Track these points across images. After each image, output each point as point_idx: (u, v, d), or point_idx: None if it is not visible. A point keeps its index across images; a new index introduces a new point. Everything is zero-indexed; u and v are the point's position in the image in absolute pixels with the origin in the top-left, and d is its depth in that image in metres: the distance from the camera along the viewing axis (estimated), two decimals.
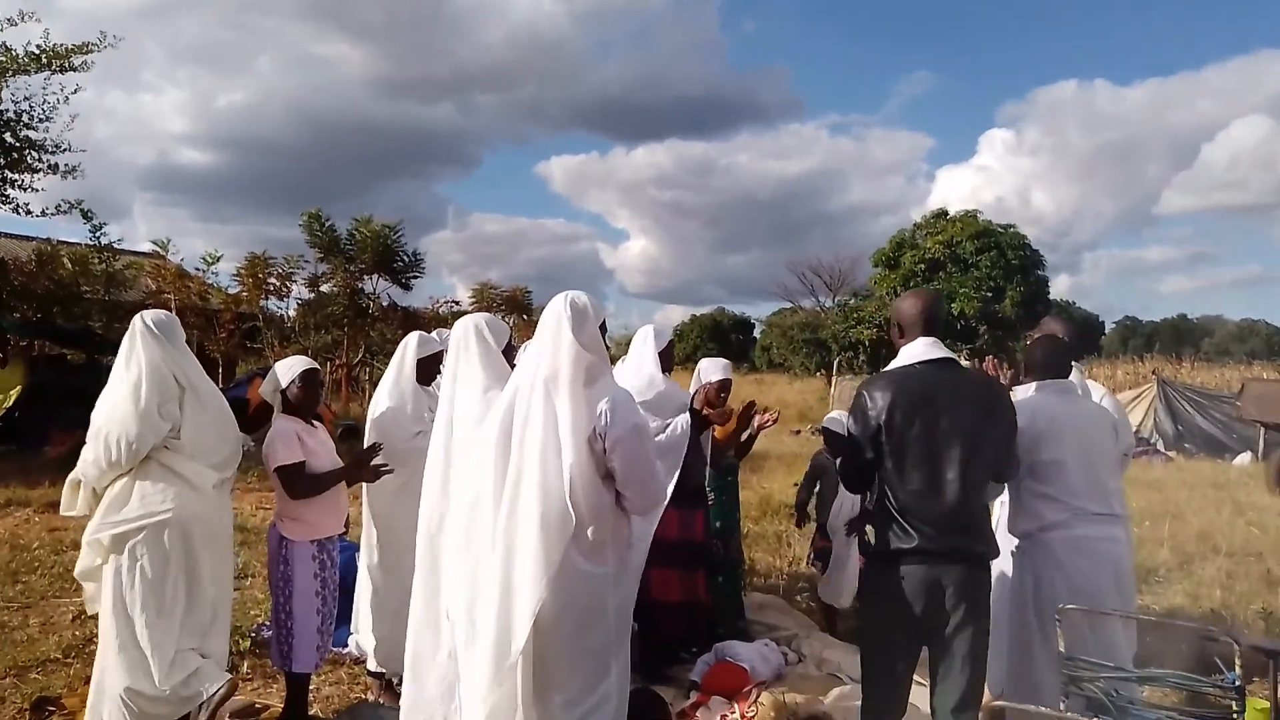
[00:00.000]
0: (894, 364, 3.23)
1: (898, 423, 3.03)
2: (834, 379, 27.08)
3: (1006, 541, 3.85)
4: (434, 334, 4.81)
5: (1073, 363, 3.95)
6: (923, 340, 3.19)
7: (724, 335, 51.96)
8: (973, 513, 3.06)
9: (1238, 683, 2.80)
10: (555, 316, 2.88)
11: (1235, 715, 2.72)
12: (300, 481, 3.81)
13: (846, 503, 5.32)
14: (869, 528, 3.22)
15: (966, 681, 3.02)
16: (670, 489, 4.58)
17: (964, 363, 4.42)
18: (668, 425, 4.60)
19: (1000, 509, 4.28)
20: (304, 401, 3.98)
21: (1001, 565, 4.08)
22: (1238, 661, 2.96)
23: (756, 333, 52.67)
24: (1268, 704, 4.17)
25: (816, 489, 5.68)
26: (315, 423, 4.05)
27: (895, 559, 3.04)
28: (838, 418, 5.44)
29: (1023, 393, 3.81)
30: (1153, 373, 23.36)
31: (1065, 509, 3.48)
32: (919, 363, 3.14)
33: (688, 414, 4.57)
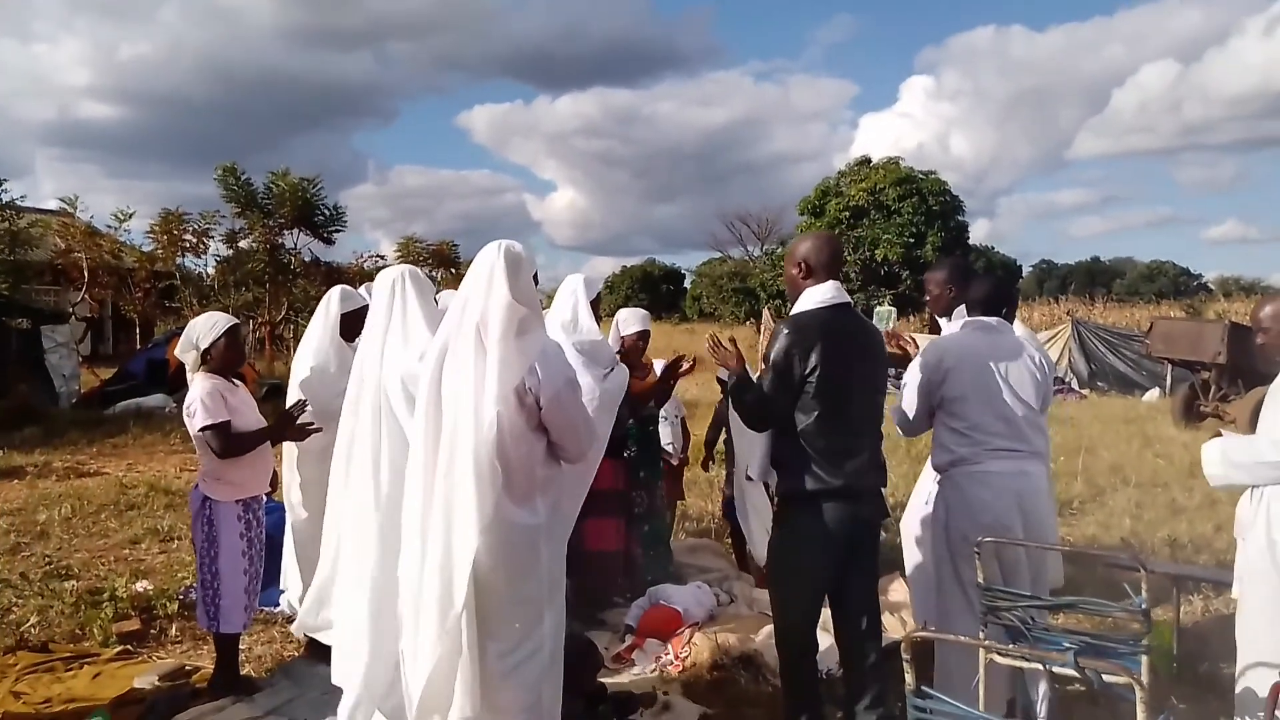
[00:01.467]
0: (802, 307, 3.25)
1: (823, 368, 3.08)
2: (762, 327, 27.36)
3: (929, 478, 3.97)
4: (360, 289, 4.72)
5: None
6: (831, 284, 3.24)
7: (654, 286, 51.97)
8: (877, 450, 3.23)
9: (1144, 606, 2.93)
10: (489, 265, 2.82)
11: (1144, 637, 2.85)
12: (226, 441, 3.73)
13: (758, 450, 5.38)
14: (791, 472, 3.25)
15: (872, 608, 3.19)
16: (607, 433, 4.63)
17: (888, 308, 4.53)
18: (606, 376, 4.61)
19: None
20: (227, 360, 3.89)
21: (924, 501, 4.23)
22: (1144, 586, 3.11)
23: (687, 283, 52.79)
24: (1171, 625, 4.44)
25: (724, 436, 5.72)
26: (236, 381, 3.95)
27: (816, 499, 3.12)
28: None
29: (946, 329, 3.90)
30: (1067, 313, 24.12)
31: (972, 444, 3.54)
32: (829, 306, 3.20)
33: (624, 367, 4.59)
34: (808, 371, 3.09)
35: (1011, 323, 3.88)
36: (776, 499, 3.38)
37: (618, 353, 5.17)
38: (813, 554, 3.16)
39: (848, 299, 3.26)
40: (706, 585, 5.07)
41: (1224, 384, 13.25)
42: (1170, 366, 15.98)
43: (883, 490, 3.32)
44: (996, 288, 3.88)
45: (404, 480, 2.91)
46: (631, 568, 5.04)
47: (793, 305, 3.31)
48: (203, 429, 3.69)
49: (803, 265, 3.28)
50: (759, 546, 5.43)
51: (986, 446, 3.54)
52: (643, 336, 5.25)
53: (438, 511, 2.74)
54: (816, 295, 3.22)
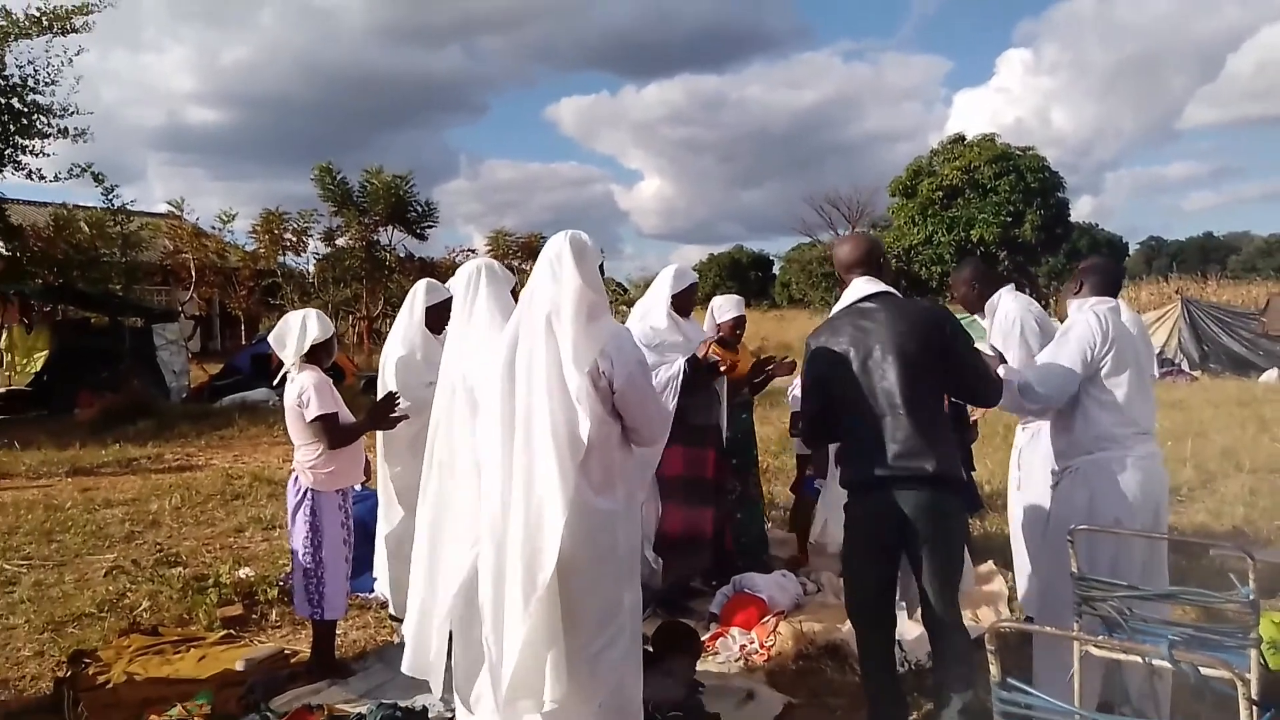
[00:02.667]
0: (836, 307, 3.33)
1: (836, 363, 3.12)
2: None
3: (1043, 465, 3.83)
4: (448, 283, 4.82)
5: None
6: (858, 281, 3.27)
7: (743, 273, 51.66)
8: (923, 435, 3.04)
9: (1251, 596, 2.79)
10: (556, 253, 2.88)
11: (1251, 629, 2.71)
12: (338, 431, 3.88)
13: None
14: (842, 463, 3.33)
15: (938, 601, 3.07)
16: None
17: None
18: (662, 364, 4.65)
19: (1029, 437, 4.25)
20: (329, 354, 4.04)
21: (1037, 490, 4.05)
22: (1251, 576, 2.95)
23: (776, 269, 52.30)
24: None
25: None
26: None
27: (858, 489, 3.16)
28: None
29: (1079, 305, 3.72)
30: (1176, 292, 23.03)
31: (1124, 423, 3.44)
32: (855, 302, 3.22)
33: (682, 360, 4.61)
34: (826, 364, 3.16)
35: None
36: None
37: (716, 340, 5.14)
38: (856, 544, 3.20)
39: (877, 288, 3.23)
40: (792, 574, 5.02)
41: None
42: None
43: (938, 476, 3.07)
44: (1112, 269, 3.81)
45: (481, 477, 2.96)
46: (723, 556, 5.03)
47: None
48: (318, 419, 3.82)
49: (837, 272, 3.39)
50: (820, 528, 5.37)
51: (1137, 429, 3.47)
52: (739, 323, 5.27)
53: (518, 497, 2.77)
54: (846, 296, 3.29)
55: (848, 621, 4.36)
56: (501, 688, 2.76)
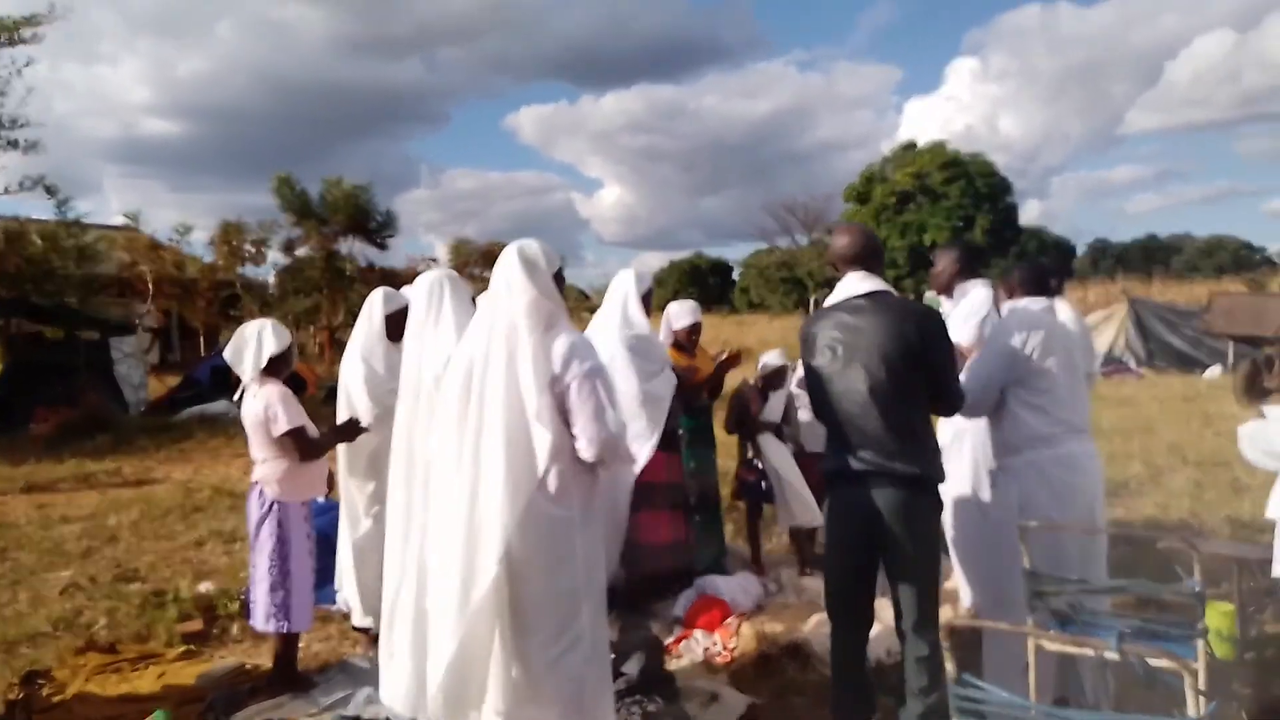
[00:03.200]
0: (829, 299, 3.32)
1: (822, 356, 3.18)
2: (811, 316, 27.15)
3: (983, 464, 3.91)
4: (403, 290, 4.82)
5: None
6: (853, 275, 3.26)
7: (702, 279, 51.83)
8: (899, 435, 3.08)
9: (1197, 588, 2.89)
10: (508, 265, 2.93)
11: (1197, 620, 2.81)
12: (307, 444, 3.87)
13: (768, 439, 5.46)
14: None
15: (915, 600, 3.09)
16: (653, 439, 4.68)
17: (933, 293, 4.53)
18: (658, 372, 4.70)
19: (951, 437, 4.34)
20: (288, 365, 4.02)
21: (976, 487, 4.15)
22: (1196, 568, 3.06)
23: (735, 275, 52.54)
24: (1232, 607, 4.33)
25: (739, 420, 5.61)
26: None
27: (834, 481, 3.20)
28: (774, 355, 5.61)
29: (1014, 308, 3.81)
30: (1122, 292, 23.54)
31: (1055, 423, 3.50)
32: (850, 297, 3.23)
33: (672, 373, 4.67)
34: (814, 354, 3.22)
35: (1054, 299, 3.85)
36: None
37: (672, 345, 5.22)
38: (833, 537, 3.23)
39: (874, 285, 3.23)
40: (753, 575, 5.08)
41: None
42: (1232, 343, 15.53)
43: (911, 475, 3.11)
44: (1043, 267, 3.90)
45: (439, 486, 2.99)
46: (682, 560, 5.06)
47: None
48: (290, 433, 3.80)
49: (834, 264, 3.37)
50: (793, 518, 5.42)
51: (1068, 426, 3.52)
52: (694, 329, 5.33)
53: (466, 506, 2.80)
54: (841, 289, 3.28)
55: (809, 620, 4.45)
56: (430, 696, 2.82)
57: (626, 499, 4.72)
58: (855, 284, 3.25)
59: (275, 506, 3.88)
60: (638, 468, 4.60)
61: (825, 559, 3.34)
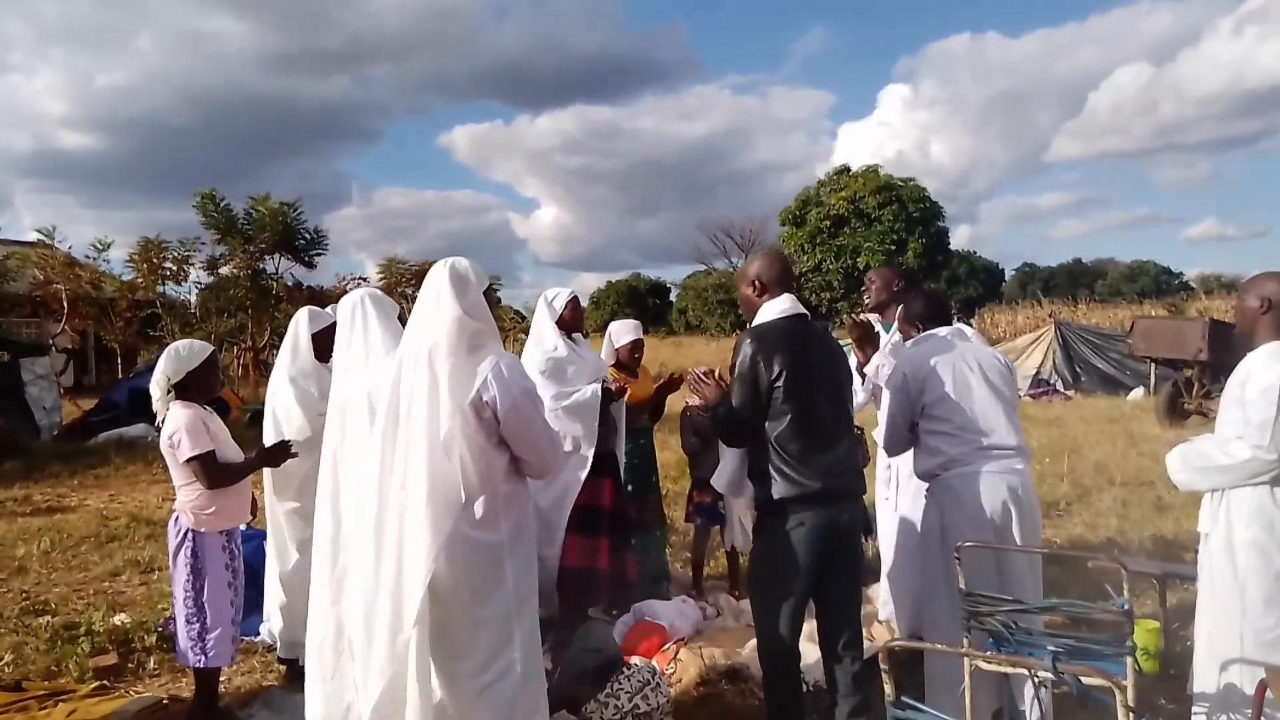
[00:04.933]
0: (761, 319, 3.29)
1: (786, 378, 3.11)
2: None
3: (918, 486, 3.96)
4: (329, 309, 4.68)
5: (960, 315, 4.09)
6: (786, 296, 3.30)
7: (640, 300, 52.07)
8: (853, 455, 3.28)
9: (1126, 606, 2.92)
10: (436, 284, 2.85)
11: (1126, 637, 2.83)
12: (214, 471, 3.68)
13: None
14: (770, 480, 3.23)
15: (853, 616, 3.18)
16: (589, 454, 4.61)
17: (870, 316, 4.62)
18: (573, 392, 4.62)
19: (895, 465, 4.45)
20: (204, 388, 3.84)
21: (907, 509, 4.23)
22: (1125, 586, 3.10)
23: (673, 296, 52.88)
24: (1158, 624, 4.42)
25: (695, 439, 5.50)
26: (209, 409, 3.90)
27: (794, 504, 3.13)
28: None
29: (909, 343, 3.94)
30: (1049, 316, 24.22)
31: (961, 443, 3.57)
32: (788, 317, 3.24)
33: (598, 384, 4.60)
34: (774, 378, 3.12)
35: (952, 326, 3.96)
36: (756, 509, 3.36)
37: (613, 365, 5.15)
38: (791, 562, 3.15)
39: (804, 310, 3.33)
40: (692, 599, 5.03)
41: (1206, 381, 13.31)
42: (1153, 365, 16.05)
43: (861, 491, 3.35)
44: (937, 300, 4.06)
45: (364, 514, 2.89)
46: (624, 586, 4.99)
47: (750, 322, 3.36)
48: (190, 460, 3.63)
49: (756, 283, 3.35)
50: (739, 537, 5.38)
51: (976, 446, 3.58)
52: (636, 346, 5.28)
53: (391, 532, 2.72)
54: (774, 308, 3.28)
55: (747, 645, 4.41)
56: None
57: (563, 523, 4.63)
58: (790, 305, 3.28)
59: (191, 535, 3.71)
60: (579, 482, 4.54)
61: (775, 588, 3.22)
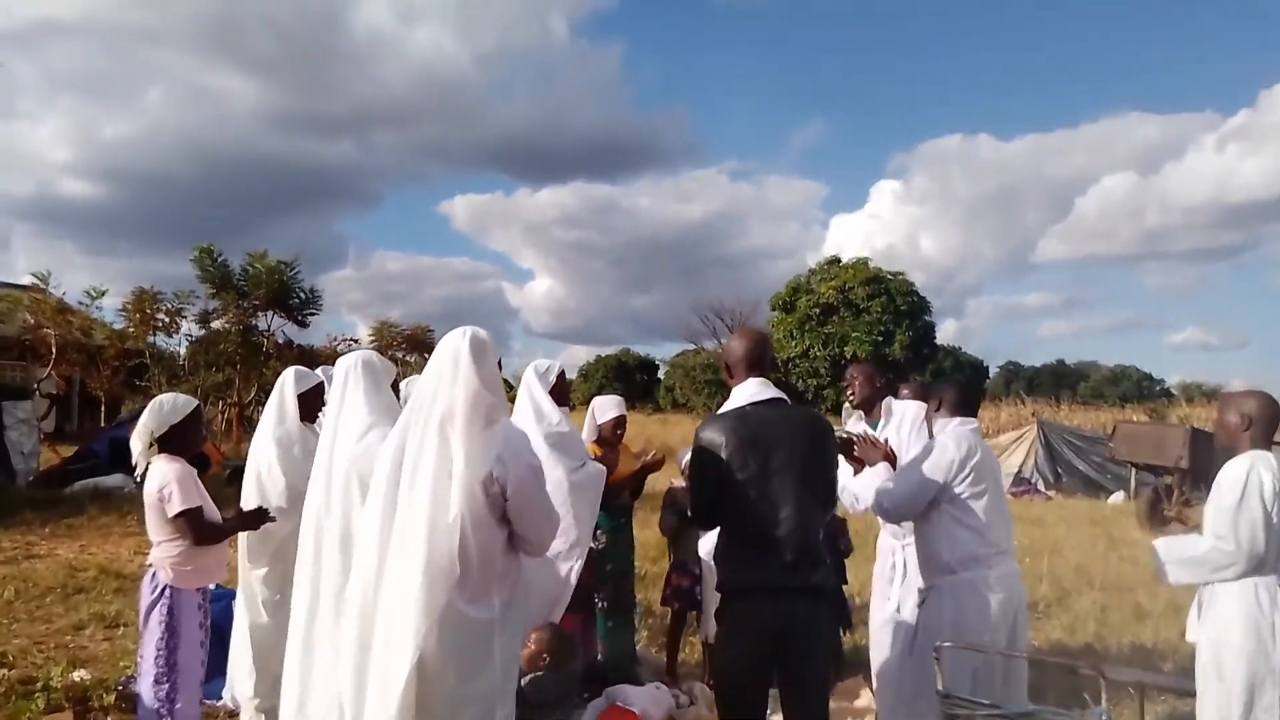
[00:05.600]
0: (727, 405, 3.28)
1: (735, 462, 3.09)
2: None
3: (913, 582, 3.93)
4: (317, 370, 4.68)
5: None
6: (753, 381, 3.26)
7: (629, 375, 52.14)
8: (811, 547, 3.12)
9: (1105, 716, 2.90)
10: (453, 351, 2.79)
11: None
12: (203, 528, 3.65)
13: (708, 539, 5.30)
14: (720, 565, 3.26)
15: (813, 711, 3.08)
16: (590, 530, 4.52)
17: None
18: (581, 466, 4.55)
19: (898, 552, 4.36)
20: (189, 443, 3.82)
21: (906, 608, 4.14)
22: (1104, 694, 3.08)
23: (661, 373, 52.97)
24: None
25: (676, 521, 5.42)
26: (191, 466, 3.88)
27: (741, 594, 3.12)
28: None
29: (952, 426, 3.85)
30: (1032, 415, 24.36)
31: (984, 544, 3.58)
32: (750, 404, 3.21)
33: (599, 464, 4.57)
34: (719, 463, 3.10)
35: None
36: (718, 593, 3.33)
37: (595, 440, 5.15)
38: (741, 650, 3.11)
39: (773, 393, 3.25)
40: (665, 686, 4.95)
41: (1186, 488, 13.35)
42: (1134, 470, 16.11)
43: (821, 587, 3.16)
44: (971, 388, 4.02)
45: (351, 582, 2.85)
46: (592, 666, 4.91)
47: None
48: (179, 514, 3.60)
49: (725, 367, 3.36)
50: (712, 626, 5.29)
51: (997, 549, 3.60)
52: (619, 423, 5.24)
53: (383, 608, 2.68)
54: (741, 394, 3.26)
55: None
56: None
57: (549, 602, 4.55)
58: (757, 389, 3.24)
59: (167, 592, 3.65)
60: (574, 571, 4.43)
61: (730, 678, 3.19)
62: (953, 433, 3.73)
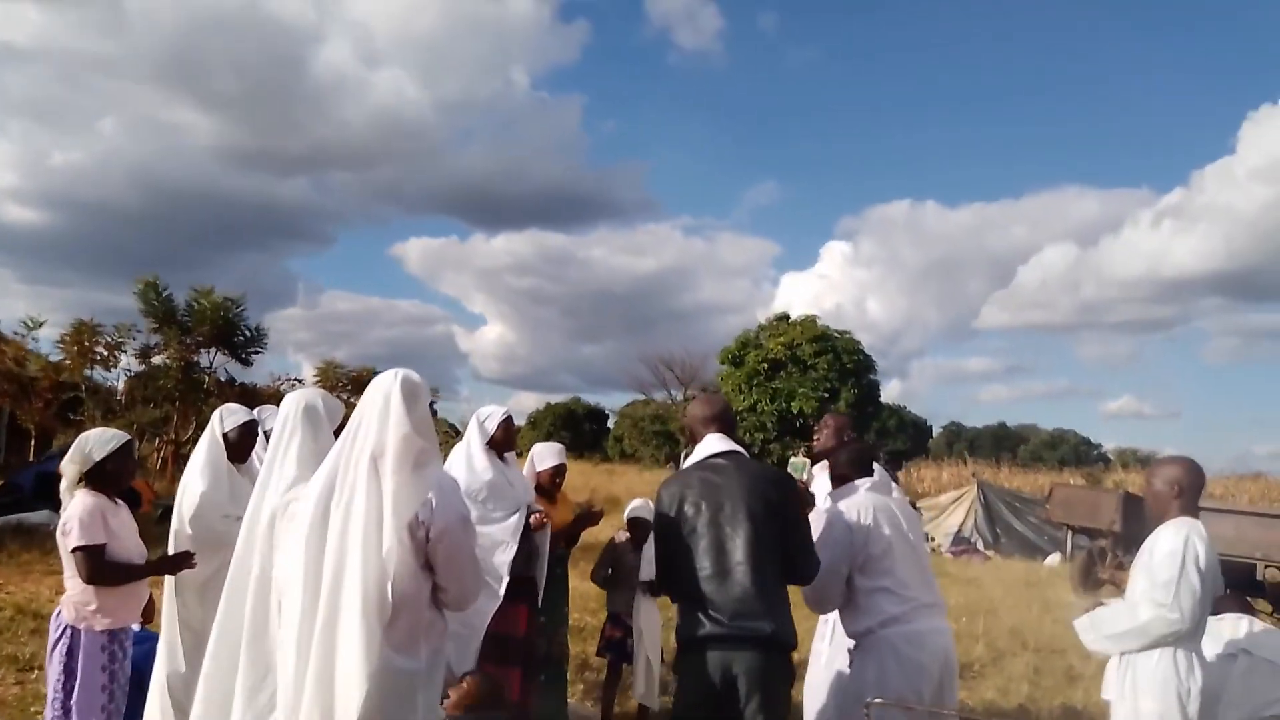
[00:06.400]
0: (689, 460, 3.38)
1: (686, 514, 3.16)
2: (672, 476, 27.38)
3: (845, 641, 3.93)
4: (255, 410, 4.60)
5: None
6: (711, 437, 3.35)
7: (578, 424, 51.95)
8: (763, 597, 3.11)
9: None
10: (384, 393, 2.77)
11: None
12: (99, 566, 3.52)
13: (643, 596, 5.28)
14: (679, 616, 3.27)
15: None
16: (500, 588, 4.47)
17: (802, 459, 4.61)
18: (510, 515, 4.51)
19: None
20: (116, 478, 3.72)
21: (837, 664, 4.16)
22: None
23: (610, 423, 52.88)
24: None
25: (609, 573, 5.49)
26: (118, 501, 3.78)
27: (693, 646, 3.13)
28: (641, 506, 5.46)
29: (843, 492, 3.96)
30: (973, 475, 24.73)
31: (902, 601, 3.56)
32: (708, 457, 3.30)
33: (522, 514, 4.51)
34: (673, 521, 3.18)
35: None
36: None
37: (534, 488, 5.11)
38: (689, 703, 3.13)
39: (731, 446, 3.34)
40: None
41: (1120, 552, 13.60)
42: (1070, 532, 16.39)
43: (773, 638, 3.15)
44: (867, 448, 4.10)
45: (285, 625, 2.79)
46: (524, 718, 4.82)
47: None
48: (77, 550, 3.49)
49: (687, 430, 3.45)
50: (640, 685, 5.24)
51: (916, 604, 3.57)
52: (558, 471, 5.16)
53: (316, 655, 2.61)
54: (701, 450, 3.35)
55: None
56: None
57: (475, 651, 4.48)
58: (715, 444, 3.33)
59: (68, 632, 3.52)
60: (489, 614, 4.38)
61: None
62: (841, 500, 3.76)
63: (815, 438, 4.76)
